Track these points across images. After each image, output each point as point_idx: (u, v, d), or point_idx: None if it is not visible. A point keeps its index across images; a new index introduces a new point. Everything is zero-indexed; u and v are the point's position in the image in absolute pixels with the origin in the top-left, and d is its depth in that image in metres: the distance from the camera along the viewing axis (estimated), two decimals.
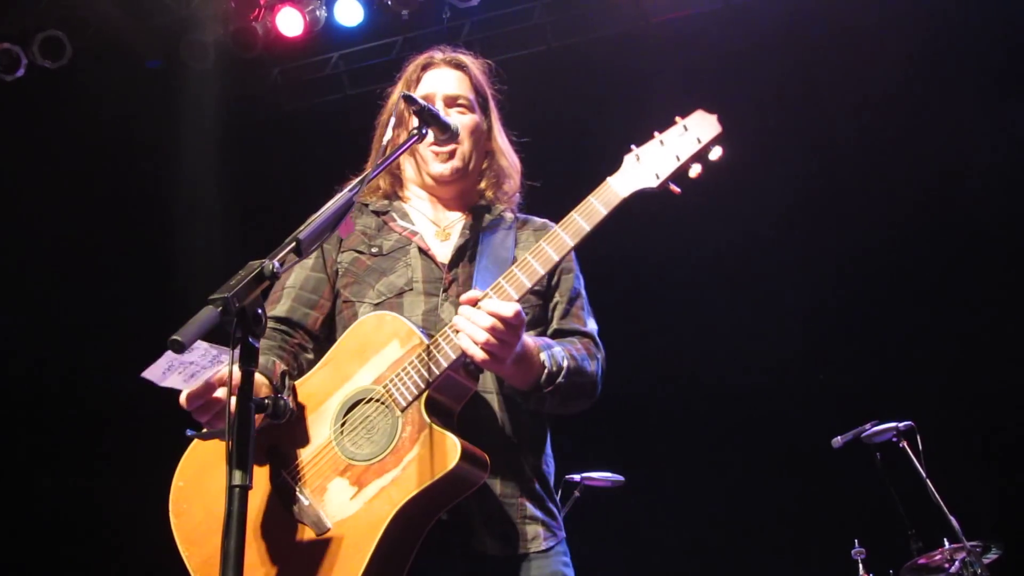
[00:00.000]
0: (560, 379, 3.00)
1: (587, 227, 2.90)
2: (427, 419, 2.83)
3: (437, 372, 2.86)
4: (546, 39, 8.97)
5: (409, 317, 3.11)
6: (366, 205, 3.50)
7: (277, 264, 2.30)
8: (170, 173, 9.14)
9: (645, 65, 8.34)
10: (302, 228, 2.50)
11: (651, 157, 2.92)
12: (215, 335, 2.16)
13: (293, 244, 2.44)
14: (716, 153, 2.91)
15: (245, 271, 2.25)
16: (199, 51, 8.91)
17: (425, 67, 3.51)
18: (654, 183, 2.90)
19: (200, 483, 3.01)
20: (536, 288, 3.23)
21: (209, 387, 2.70)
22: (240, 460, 2.14)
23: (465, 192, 3.50)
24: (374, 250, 3.35)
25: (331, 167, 2.77)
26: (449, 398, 2.96)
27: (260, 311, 2.23)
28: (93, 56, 8.93)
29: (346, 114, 9.13)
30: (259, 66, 9.43)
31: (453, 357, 2.84)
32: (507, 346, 2.79)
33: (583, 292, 3.45)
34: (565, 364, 3.02)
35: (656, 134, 2.94)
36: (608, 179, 2.94)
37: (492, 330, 2.75)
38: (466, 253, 3.32)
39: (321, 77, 9.65)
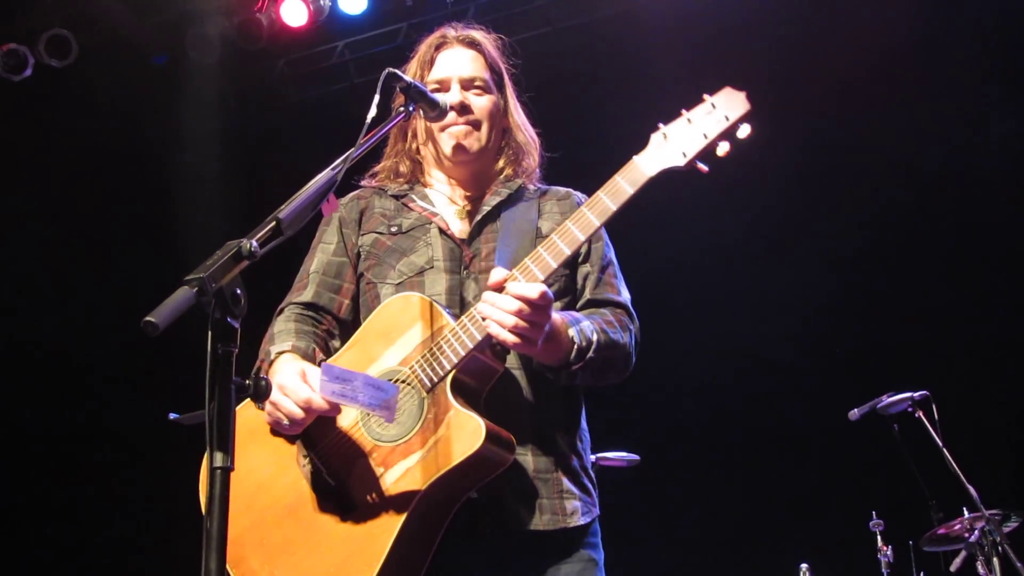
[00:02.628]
0: (590, 354, 2.97)
1: (613, 207, 2.85)
2: (453, 400, 2.82)
3: (463, 353, 2.85)
4: (550, 20, 8.94)
5: (431, 295, 3.11)
6: (385, 190, 3.48)
7: (255, 243, 2.25)
8: (179, 167, 9.16)
9: (650, 42, 8.30)
10: (283, 207, 2.48)
11: (678, 135, 2.85)
12: (194, 315, 2.13)
13: (273, 223, 2.41)
14: (744, 131, 2.85)
15: (222, 251, 2.21)
16: (205, 45, 8.92)
17: (439, 47, 3.46)
18: (681, 162, 2.83)
19: (238, 461, 3.05)
20: None
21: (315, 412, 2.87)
22: (221, 442, 2.11)
23: (483, 171, 3.46)
24: (393, 229, 3.33)
25: (339, 155, 2.74)
26: (476, 379, 2.95)
27: (238, 291, 2.19)
28: (100, 54, 8.94)
29: (353, 103, 9.08)
30: (265, 58, 9.44)
31: (479, 338, 2.83)
32: (537, 328, 2.77)
33: (615, 260, 3.42)
34: (595, 338, 2.99)
35: (683, 112, 2.87)
36: (634, 157, 2.88)
37: (520, 313, 2.74)
38: (486, 228, 3.30)
39: (327, 67, 9.66)
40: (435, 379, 2.87)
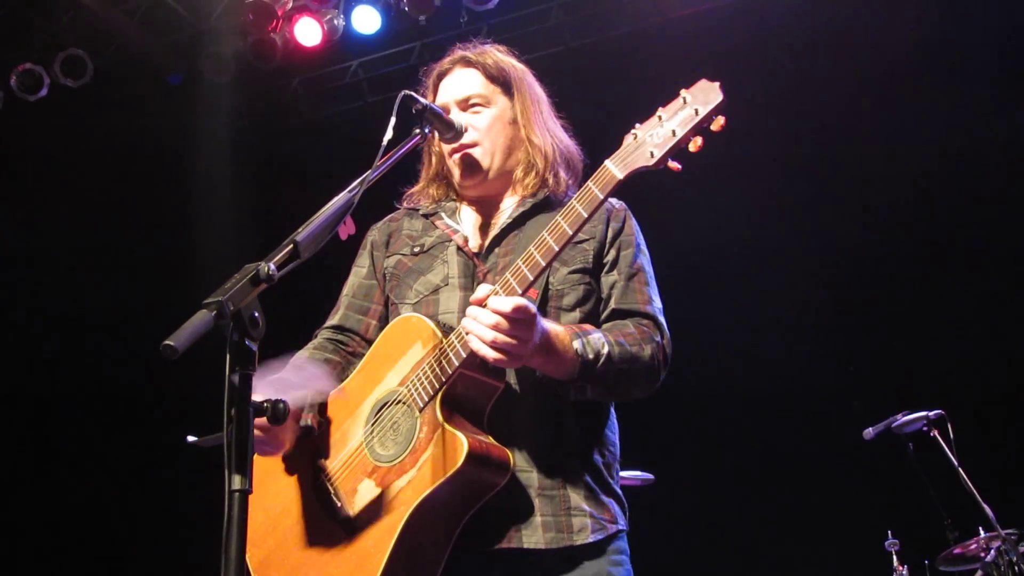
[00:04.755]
0: (599, 368, 2.90)
1: (585, 214, 2.78)
2: (440, 419, 2.81)
3: (450, 371, 2.83)
4: (564, 39, 8.98)
5: (445, 312, 3.12)
6: (416, 210, 3.49)
7: (273, 267, 2.26)
8: (194, 185, 9.19)
9: (664, 61, 8.30)
10: (300, 230, 2.49)
11: (649, 134, 2.77)
12: (211, 338, 2.14)
13: (291, 246, 2.42)
14: (718, 123, 2.72)
15: (240, 274, 2.23)
16: (219, 64, 8.98)
17: (441, 75, 3.47)
18: (650, 162, 2.74)
19: (260, 487, 3.09)
20: (582, 267, 3.17)
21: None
22: (239, 464, 2.12)
23: (501, 186, 3.40)
24: (416, 249, 3.34)
25: (353, 174, 2.75)
26: (473, 397, 2.93)
27: (256, 314, 2.20)
28: (115, 74, 9.00)
29: (366, 121, 9.12)
30: (279, 77, 9.52)
31: (464, 356, 2.80)
32: (520, 342, 2.71)
33: (646, 267, 3.29)
34: (606, 351, 2.91)
35: (659, 109, 2.80)
36: (606, 161, 2.82)
37: (497, 328, 2.68)
38: (505, 241, 3.25)
39: (341, 86, 9.73)
40: (426, 398, 2.87)
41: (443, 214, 3.41)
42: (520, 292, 2.78)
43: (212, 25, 8.93)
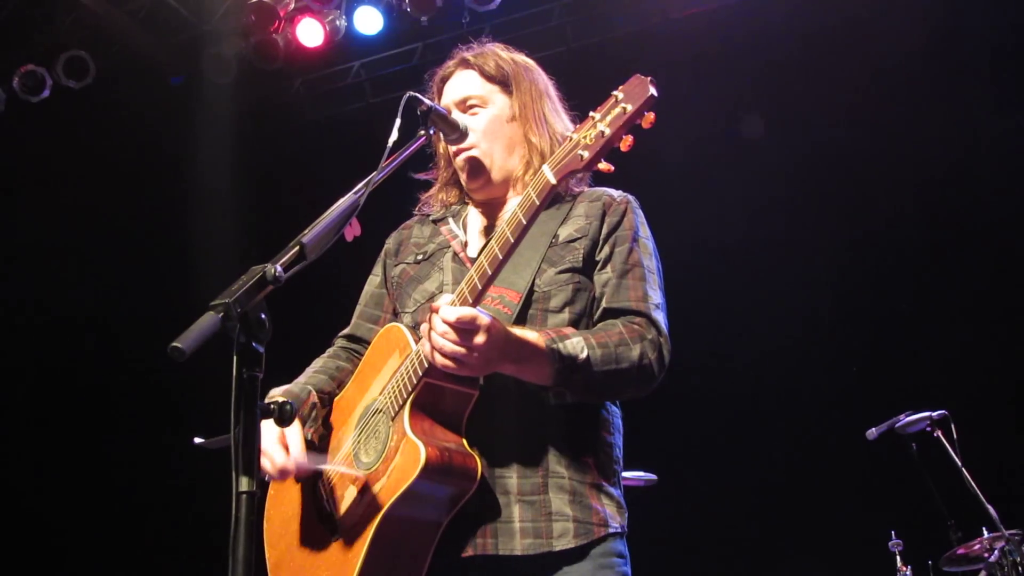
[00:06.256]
0: (576, 372, 2.85)
1: (524, 220, 2.79)
2: (407, 427, 2.81)
3: (416, 381, 2.84)
4: (566, 40, 8.97)
5: None
6: (428, 216, 3.49)
7: (279, 268, 2.27)
8: (195, 186, 9.20)
9: (667, 62, 8.31)
10: (306, 231, 2.49)
11: (583, 136, 2.74)
12: (218, 340, 2.14)
13: (297, 248, 2.42)
14: (648, 119, 2.68)
15: (247, 276, 2.23)
16: (221, 65, 8.99)
17: (444, 79, 3.46)
18: (579, 164, 2.72)
19: (282, 492, 3.23)
20: (571, 266, 3.12)
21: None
22: (246, 466, 2.12)
23: (506, 189, 3.37)
24: (419, 257, 3.34)
25: (356, 175, 2.75)
26: (446, 404, 2.91)
27: (263, 315, 2.20)
28: (117, 75, 9.00)
29: (369, 122, 9.13)
30: (282, 77, 9.51)
31: (427, 366, 2.80)
32: (468, 350, 2.70)
33: (644, 262, 3.18)
34: (584, 355, 2.85)
35: (593, 111, 2.76)
36: (544, 165, 2.82)
37: (445, 336, 2.69)
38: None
39: (343, 86, 9.73)
40: (397, 407, 2.87)
41: (450, 219, 3.41)
42: (471, 302, 2.78)
43: (214, 26, 8.93)
